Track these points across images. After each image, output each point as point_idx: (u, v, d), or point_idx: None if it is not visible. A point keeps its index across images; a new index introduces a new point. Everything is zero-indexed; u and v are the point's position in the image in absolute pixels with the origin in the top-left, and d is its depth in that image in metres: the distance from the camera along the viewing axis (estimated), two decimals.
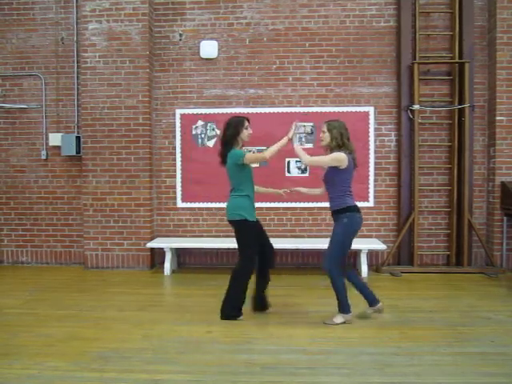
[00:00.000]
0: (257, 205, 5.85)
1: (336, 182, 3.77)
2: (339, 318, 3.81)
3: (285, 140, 3.84)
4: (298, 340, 3.46)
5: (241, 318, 3.91)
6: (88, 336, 3.56)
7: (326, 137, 3.78)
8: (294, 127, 3.89)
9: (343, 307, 3.81)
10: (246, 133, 3.90)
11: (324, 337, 3.52)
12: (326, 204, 5.91)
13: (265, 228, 4.07)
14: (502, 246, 5.79)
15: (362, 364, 3.04)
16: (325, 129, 3.79)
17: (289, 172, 6.06)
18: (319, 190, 4.11)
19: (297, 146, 3.90)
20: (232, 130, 3.86)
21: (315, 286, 5.05)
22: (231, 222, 3.96)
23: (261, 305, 4.09)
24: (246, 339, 3.48)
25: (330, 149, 3.78)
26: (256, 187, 4.07)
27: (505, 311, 4.14)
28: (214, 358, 3.14)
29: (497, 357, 3.14)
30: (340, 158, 3.68)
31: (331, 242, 3.78)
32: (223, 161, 3.93)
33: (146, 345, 3.37)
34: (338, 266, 3.74)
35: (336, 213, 3.80)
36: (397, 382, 2.78)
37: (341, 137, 3.72)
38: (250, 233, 3.90)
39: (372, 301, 3.89)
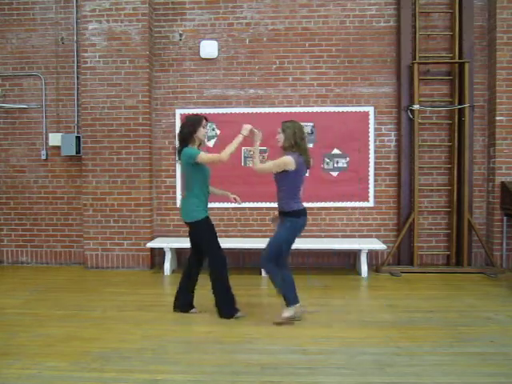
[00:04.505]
0: (257, 205, 5.96)
1: (283, 183, 3.74)
2: (286, 312, 3.78)
3: (240, 138, 3.80)
4: (298, 340, 3.46)
5: (239, 314, 3.92)
6: (88, 336, 3.57)
7: (280, 138, 3.75)
8: (256, 131, 3.82)
9: (288, 300, 3.79)
10: (202, 131, 3.88)
11: (324, 337, 3.52)
12: (326, 204, 6.07)
13: (265, 228, 4.05)
14: (501, 246, 5.79)
15: (361, 364, 3.04)
16: (279, 130, 3.77)
17: None
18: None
19: (256, 149, 3.80)
20: (188, 127, 3.84)
21: (315, 286, 5.06)
22: (188, 223, 3.94)
23: (183, 304, 4.09)
24: (246, 339, 3.48)
25: (284, 149, 3.75)
26: (211, 188, 4.03)
27: (505, 311, 4.14)
28: (214, 357, 3.14)
29: (497, 357, 3.14)
30: (285, 162, 3.65)
31: (271, 242, 3.78)
32: (178, 157, 3.92)
33: (146, 345, 3.37)
34: (275, 263, 3.75)
35: (281, 214, 3.83)
36: (397, 382, 2.79)
37: (293, 137, 3.68)
38: (208, 229, 3.92)
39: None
